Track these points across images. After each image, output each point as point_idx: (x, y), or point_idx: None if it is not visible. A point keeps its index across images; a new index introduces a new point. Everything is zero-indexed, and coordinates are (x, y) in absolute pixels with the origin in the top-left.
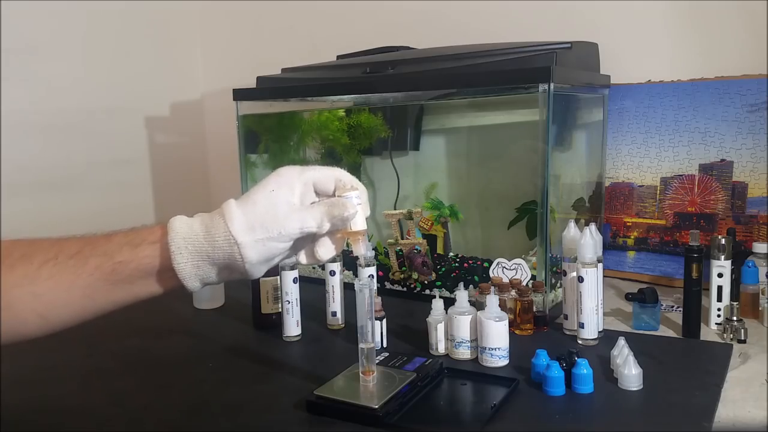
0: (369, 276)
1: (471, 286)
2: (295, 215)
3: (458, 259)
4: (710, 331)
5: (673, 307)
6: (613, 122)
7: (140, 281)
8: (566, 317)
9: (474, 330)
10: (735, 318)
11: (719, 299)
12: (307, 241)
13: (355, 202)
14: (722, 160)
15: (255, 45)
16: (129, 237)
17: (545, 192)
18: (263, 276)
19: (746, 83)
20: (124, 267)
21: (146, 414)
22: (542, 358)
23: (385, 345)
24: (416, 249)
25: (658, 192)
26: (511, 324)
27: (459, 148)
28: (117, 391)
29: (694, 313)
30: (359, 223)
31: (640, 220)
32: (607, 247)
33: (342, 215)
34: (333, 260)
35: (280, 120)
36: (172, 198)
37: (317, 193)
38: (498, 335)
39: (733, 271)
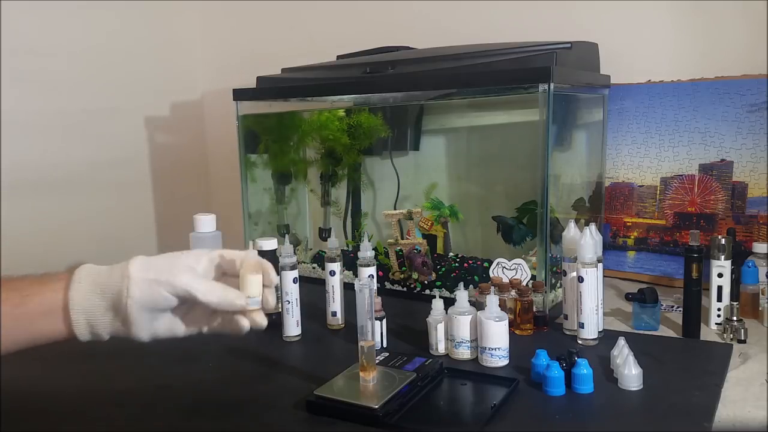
0: (369, 276)
1: (471, 286)
2: (189, 274)
3: (458, 259)
4: (710, 331)
5: (673, 307)
6: (613, 122)
7: (41, 318)
8: (566, 317)
9: (474, 330)
10: (735, 318)
11: (719, 299)
12: (199, 313)
13: (255, 287)
14: (722, 160)
15: (255, 45)
16: (42, 276)
17: (545, 192)
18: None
19: (746, 83)
20: (29, 300)
21: (146, 414)
22: (542, 358)
23: (385, 345)
24: (416, 249)
25: (658, 192)
26: (511, 324)
27: (459, 148)
28: (117, 391)
29: (694, 313)
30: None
31: (640, 220)
32: (607, 247)
33: (233, 301)
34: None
35: (280, 120)
36: (172, 198)
37: (225, 273)
38: (498, 335)
39: (733, 271)
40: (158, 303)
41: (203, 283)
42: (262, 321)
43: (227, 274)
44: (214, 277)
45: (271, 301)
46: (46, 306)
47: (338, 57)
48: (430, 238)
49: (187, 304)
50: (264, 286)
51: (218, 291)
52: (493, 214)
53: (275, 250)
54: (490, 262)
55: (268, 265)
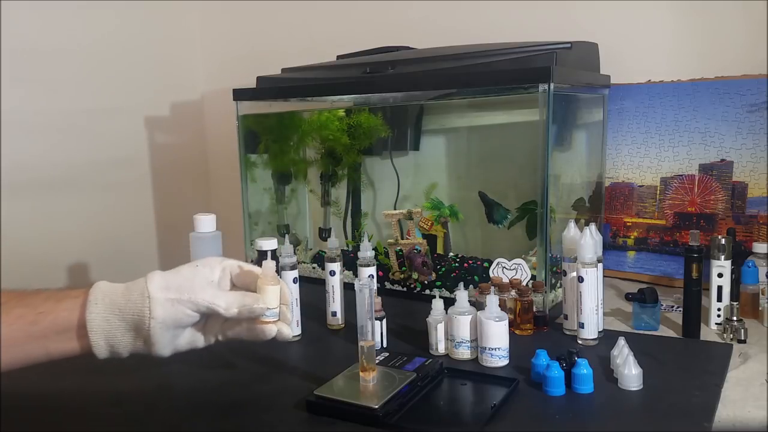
0: (369, 276)
1: (471, 286)
2: (210, 290)
3: (458, 259)
4: (710, 331)
5: (673, 307)
6: (613, 122)
7: (55, 336)
8: (566, 317)
9: (474, 330)
10: (735, 318)
11: (719, 299)
12: (217, 322)
13: (273, 298)
14: (722, 160)
15: (255, 45)
16: (55, 292)
17: (545, 192)
18: None
19: (746, 83)
20: (43, 318)
21: (146, 414)
22: (542, 358)
23: (385, 345)
24: (416, 249)
25: (658, 192)
26: (511, 324)
27: (459, 148)
28: (117, 391)
29: (694, 313)
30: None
31: (640, 220)
32: (607, 247)
33: (251, 306)
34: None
35: (280, 120)
36: (172, 198)
37: (235, 285)
38: (498, 335)
39: (733, 271)
40: (181, 321)
41: (223, 296)
42: (287, 332)
43: (237, 287)
44: (228, 286)
45: (289, 315)
46: (60, 324)
47: (338, 57)
48: (430, 238)
49: (205, 317)
50: (280, 303)
51: (238, 301)
52: (495, 218)
53: (275, 250)
54: (490, 262)
55: (284, 284)
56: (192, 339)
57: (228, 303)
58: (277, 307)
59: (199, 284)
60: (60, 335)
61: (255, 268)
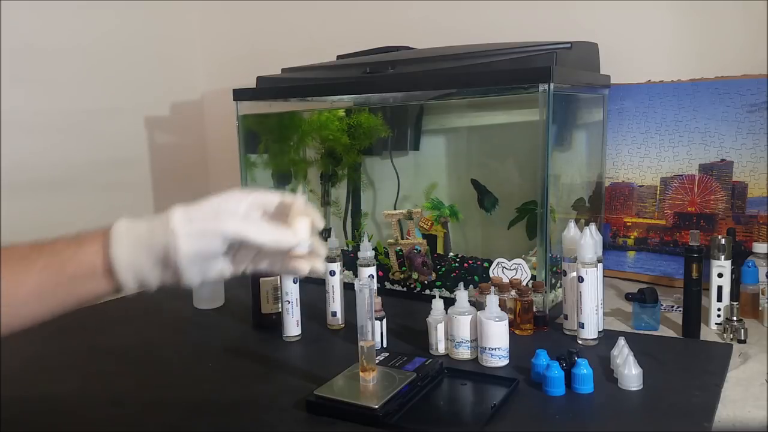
0: (369, 276)
1: (471, 286)
2: (235, 220)
3: (458, 259)
4: (710, 331)
5: (673, 307)
6: (613, 122)
7: (84, 280)
8: (566, 317)
9: (474, 330)
10: (735, 318)
11: (719, 299)
12: (249, 253)
13: (304, 229)
14: (722, 160)
15: (255, 45)
16: (76, 237)
17: (545, 192)
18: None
19: (746, 83)
20: (68, 262)
21: (146, 414)
22: (542, 358)
23: (385, 345)
24: (416, 249)
25: (658, 192)
26: (511, 324)
27: (459, 148)
28: (117, 391)
29: (694, 313)
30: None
31: (640, 220)
32: (607, 247)
33: (281, 238)
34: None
35: (280, 120)
36: (172, 198)
37: (265, 212)
38: (498, 335)
39: (733, 271)
40: (208, 253)
41: (252, 224)
42: (320, 267)
43: (267, 214)
44: (257, 217)
45: (322, 250)
46: (86, 268)
47: (338, 57)
48: (430, 238)
49: (234, 247)
50: (312, 235)
51: (269, 231)
52: (493, 213)
53: None
54: (490, 262)
55: (314, 210)
56: (221, 268)
57: (257, 231)
58: (308, 240)
59: (225, 216)
60: (88, 278)
61: (284, 198)
